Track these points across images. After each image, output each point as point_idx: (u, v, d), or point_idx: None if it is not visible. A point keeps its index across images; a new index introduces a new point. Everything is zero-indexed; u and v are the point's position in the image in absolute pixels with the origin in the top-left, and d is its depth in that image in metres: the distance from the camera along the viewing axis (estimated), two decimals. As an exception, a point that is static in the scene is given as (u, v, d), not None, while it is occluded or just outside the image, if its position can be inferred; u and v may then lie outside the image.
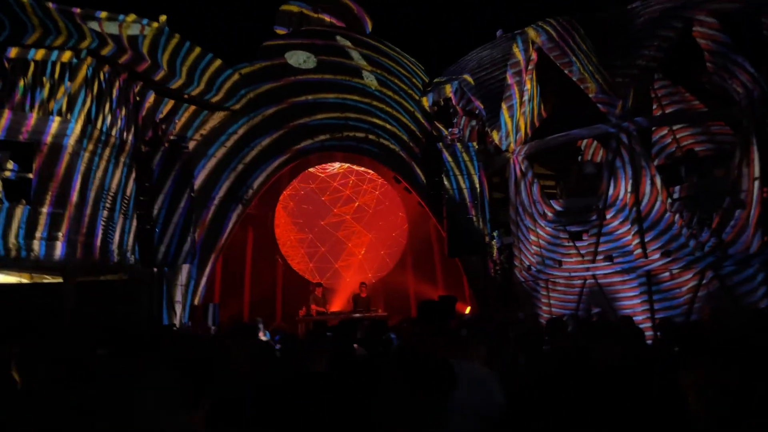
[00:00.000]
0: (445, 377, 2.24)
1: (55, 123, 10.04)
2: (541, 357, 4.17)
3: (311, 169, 16.32)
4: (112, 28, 11.02)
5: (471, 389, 2.94)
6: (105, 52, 10.67)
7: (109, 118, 10.90)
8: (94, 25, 10.74)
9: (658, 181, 9.78)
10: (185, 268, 12.64)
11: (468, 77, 12.75)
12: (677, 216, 9.68)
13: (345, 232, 17.04)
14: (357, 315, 13.66)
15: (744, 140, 9.31)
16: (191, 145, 12.76)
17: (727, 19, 9.44)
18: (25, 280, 11.33)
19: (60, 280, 10.45)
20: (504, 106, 11.60)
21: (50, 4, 10.30)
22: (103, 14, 10.89)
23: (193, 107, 13.14)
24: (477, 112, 12.94)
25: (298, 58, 15.06)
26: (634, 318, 9.31)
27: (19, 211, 9.81)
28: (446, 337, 3.79)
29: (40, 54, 10.12)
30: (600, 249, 10.25)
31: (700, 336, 4.38)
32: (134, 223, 11.48)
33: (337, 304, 15.39)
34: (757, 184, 9.08)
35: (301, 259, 16.62)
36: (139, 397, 1.62)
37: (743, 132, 9.39)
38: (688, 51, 10.15)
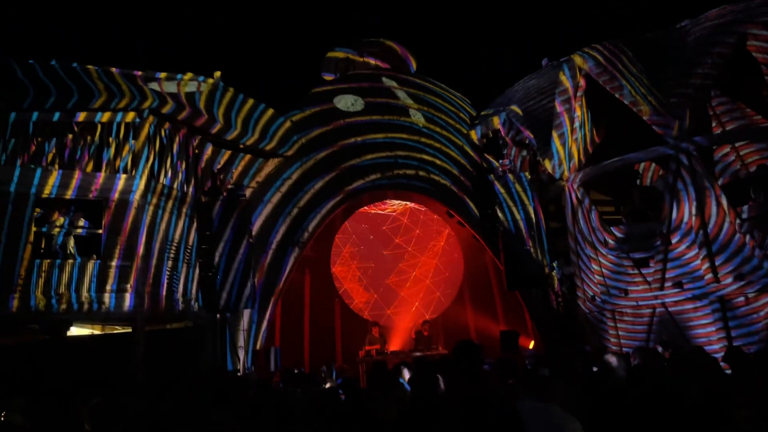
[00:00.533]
0: (508, 425, 2.13)
1: (121, 180, 10.58)
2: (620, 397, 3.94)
3: (366, 209, 16.49)
4: (170, 87, 11.62)
5: None
6: (165, 110, 11.22)
7: (170, 172, 11.40)
8: (154, 86, 11.36)
9: (724, 201, 9.36)
10: (246, 313, 12.88)
11: (516, 108, 12.71)
12: (748, 237, 9.20)
13: (402, 266, 16.98)
14: (417, 354, 13.50)
15: (815, 153, 8.84)
16: (248, 192, 13.17)
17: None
18: (96, 332, 11.80)
19: (129, 330, 10.83)
20: (555, 134, 11.46)
21: (114, 69, 10.97)
22: (163, 75, 11.50)
23: (248, 156, 13.60)
24: (527, 141, 12.83)
25: (346, 102, 15.42)
26: (710, 347, 8.83)
27: (91, 266, 10.29)
28: (519, 376, 3.65)
29: (106, 116, 10.76)
30: (668, 275, 9.82)
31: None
32: (197, 271, 11.84)
33: (395, 343, 15.27)
34: (834, 198, 8.57)
35: (358, 298, 16.64)
36: None
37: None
38: (745, 66, 9.82)
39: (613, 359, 5.22)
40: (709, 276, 9.31)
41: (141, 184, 10.71)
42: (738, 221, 9.32)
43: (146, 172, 10.85)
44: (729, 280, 9.18)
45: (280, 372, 10.88)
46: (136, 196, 10.66)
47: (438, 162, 15.58)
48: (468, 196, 15.16)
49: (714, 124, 11.57)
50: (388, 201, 16.58)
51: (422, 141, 15.65)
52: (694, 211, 9.50)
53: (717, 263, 9.30)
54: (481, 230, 14.31)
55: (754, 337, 8.88)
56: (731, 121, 11.75)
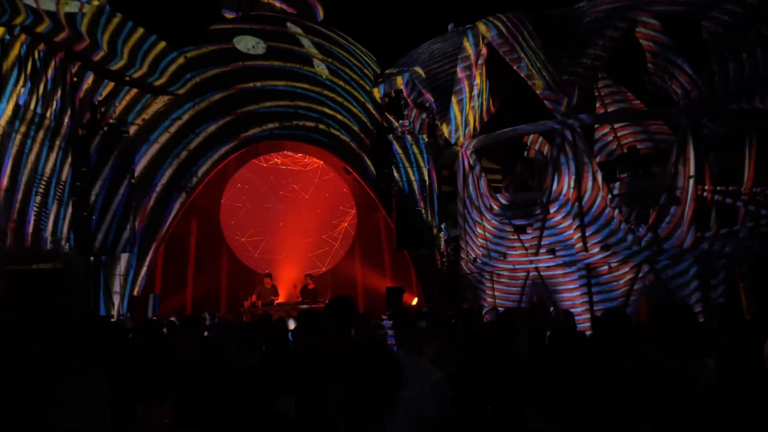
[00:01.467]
0: (395, 376, 2.16)
1: (-17, 102, 9.47)
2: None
3: (260, 158, 16.02)
4: (48, 5, 10.44)
5: (419, 390, 2.87)
6: (41, 29, 10.10)
7: (43, 100, 10.36)
8: (29, 1, 10.16)
9: (599, 177, 10.06)
10: (124, 258, 12.21)
11: (419, 69, 12.76)
12: (616, 211, 10.00)
13: (290, 222, 16.76)
14: (304, 306, 13.54)
15: (681, 139, 9.68)
16: (132, 129, 12.30)
17: (669, 22, 9.75)
18: (-51, 268, 10.69)
19: (-12, 268, 9.91)
20: (454, 100, 11.67)
21: (-20, -24, 9.68)
22: (39, -11, 10.30)
23: (134, 90, 12.64)
24: (427, 104, 12.98)
25: (247, 43, 14.72)
26: (574, 309, 9.60)
27: (-57, 195, 9.23)
28: (404, 329, 3.74)
29: (-33, 28, 9.51)
30: (543, 242, 10.48)
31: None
32: (70, 209, 10.98)
33: (282, 296, 15.20)
34: (692, 182, 9.47)
35: (245, 249, 16.28)
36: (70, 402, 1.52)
37: (680, 131, 9.75)
38: (631, 51, 10.45)
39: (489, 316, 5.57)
40: (579, 245, 10.04)
41: (8, 109, 9.65)
42: (609, 196, 10.08)
43: (14, 96, 9.77)
44: (596, 249, 9.95)
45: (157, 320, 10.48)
46: (1, 122, 9.60)
47: (339, 117, 15.39)
48: (366, 153, 15.16)
49: (598, 105, 12.33)
50: (288, 154, 16.21)
51: (324, 93, 15.35)
52: (572, 184, 10.13)
53: (587, 234, 10.03)
54: (376, 189, 14.43)
55: (614, 303, 9.75)
56: (613, 103, 12.61)
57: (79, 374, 1.59)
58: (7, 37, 9.82)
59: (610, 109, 12.50)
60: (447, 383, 3.14)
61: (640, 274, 9.73)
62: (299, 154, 16.33)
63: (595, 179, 10.05)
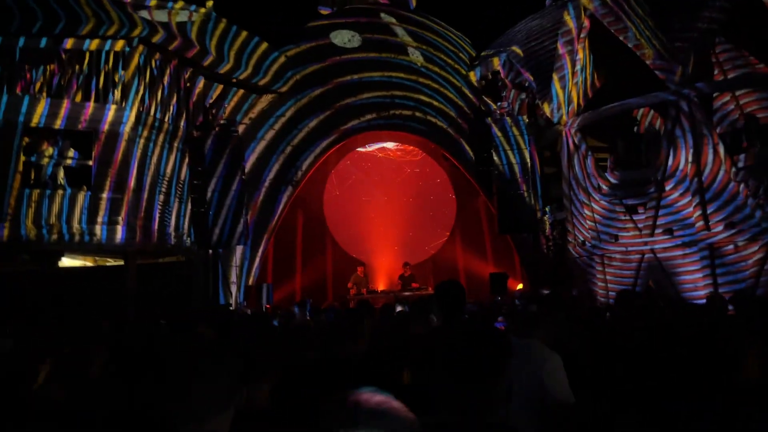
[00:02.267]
0: (504, 362, 2.11)
1: (111, 111, 10.36)
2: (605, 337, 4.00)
3: (360, 149, 16.31)
4: (161, 16, 11.23)
5: (530, 374, 2.80)
6: (155, 39, 10.88)
7: (161, 105, 11.16)
8: (144, 14, 10.97)
9: (721, 149, 9.31)
10: (239, 250, 12.93)
11: (517, 49, 12.41)
12: (742, 186, 9.20)
13: (391, 210, 16.94)
14: (406, 293, 13.69)
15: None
16: (241, 128, 12.96)
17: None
18: (89, 263, 11.84)
19: (121, 262, 10.87)
20: (555, 77, 11.24)
21: (102, -6, 10.56)
22: (153, 2, 11.09)
23: (241, 91, 13.31)
24: (527, 84, 12.60)
25: (343, 38, 15.00)
26: (696, 293, 8.99)
27: (81, 197, 10.21)
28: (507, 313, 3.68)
29: (94, 44, 10.42)
30: (659, 222, 9.87)
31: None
32: (189, 206, 11.78)
33: (384, 283, 15.44)
34: (831, 149, 8.53)
35: (348, 239, 16.67)
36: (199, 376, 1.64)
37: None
38: (751, 12, 9.55)
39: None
40: (700, 223, 9.36)
41: (131, 116, 10.50)
42: (733, 170, 9.30)
43: (136, 103, 10.62)
44: (720, 228, 9.24)
45: (271, 308, 11.02)
46: (127, 128, 10.47)
47: (435, 103, 15.32)
48: (464, 138, 15.00)
49: (716, 72, 11.37)
50: (384, 144, 16.39)
51: (420, 81, 15.34)
52: (690, 158, 9.46)
53: (709, 211, 9.33)
54: (475, 173, 14.25)
55: (741, 285, 9.01)
56: (733, 69, 11.54)
57: (219, 354, 1.70)
58: (127, 49, 10.66)
59: (730, 76, 11.48)
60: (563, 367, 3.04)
61: (772, 254, 8.92)
62: (397, 144, 16.44)
63: (716, 152, 9.31)
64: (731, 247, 9.28)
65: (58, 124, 10.13)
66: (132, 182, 10.58)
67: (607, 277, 10.77)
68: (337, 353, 3.31)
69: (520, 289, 14.11)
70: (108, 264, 11.86)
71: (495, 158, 13.01)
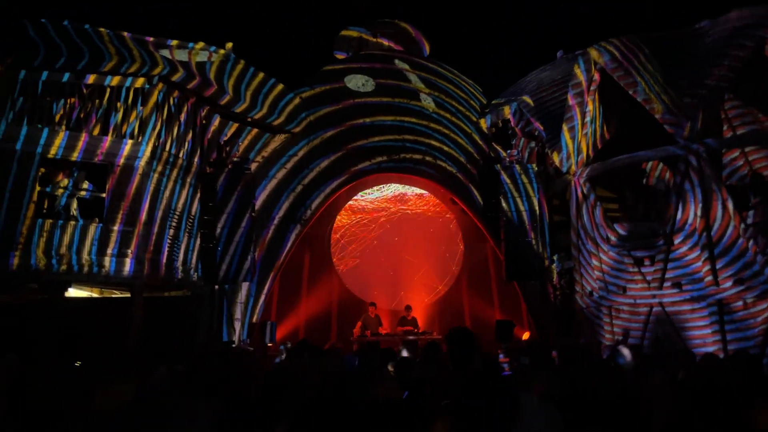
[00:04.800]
0: (511, 410, 2.12)
1: (127, 146, 10.55)
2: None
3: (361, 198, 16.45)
4: (182, 56, 11.55)
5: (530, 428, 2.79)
6: (175, 78, 11.17)
7: (177, 141, 11.37)
8: (165, 53, 11.29)
9: (730, 205, 9.34)
10: (245, 286, 12.93)
11: (527, 98, 12.62)
12: (751, 242, 9.19)
13: (398, 252, 16.93)
14: (411, 337, 13.56)
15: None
16: (253, 166, 13.15)
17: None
18: (95, 295, 11.86)
19: (128, 295, 10.88)
20: (565, 128, 11.40)
21: (125, 34, 10.90)
22: (174, 42, 11.42)
23: (255, 130, 13.56)
24: (536, 133, 12.77)
25: (357, 82, 15.32)
26: (704, 349, 8.87)
27: (92, 229, 10.31)
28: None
29: (115, 80, 10.70)
30: (667, 275, 9.83)
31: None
32: (198, 241, 11.86)
33: (386, 326, 15.32)
34: (840, 209, 8.54)
35: (354, 279, 16.63)
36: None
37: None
38: (761, 70, 9.73)
39: (625, 351, 5.25)
40: (709, 278, 9.32)
41: (147, 151, 10.69)
42: (742, 226, 9.30)
43: (153, 138, 10.82)
44: (729, 283, 9.19)
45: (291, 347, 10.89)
46: (142, 163, 10.64)
47: (445, 148, 15.52)
48: (473, 184, 15.12)
49: (725, 128, 11.49)
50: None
51: (431, 126, 15.58)
52: (699, 212, 9.48)
53: (718, 266, 9.30)
54: (483, 219, 14.29)
55: (750, 342, 8.91)
56: (742, 125, 11.66)
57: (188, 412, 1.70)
58: (147, 86, 10.94)
59: (739, 132, 11.59)
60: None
61: (782, 311, 8.83)
62: (408, 189, 16.57)
63: (725, 207, 9.34)
64: (740, 303, 9.20)
65: (75, 156, 10.32)
66: (143, 216, 10.69)
67: (615, 329, 10.66)
68: (373, 396, 3.19)
69: (526, 339, 13.97)
70: (114, 296, 11.89)
71: (503, 205, 13.06)
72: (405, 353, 7.16)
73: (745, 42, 9.56)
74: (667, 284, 9.80)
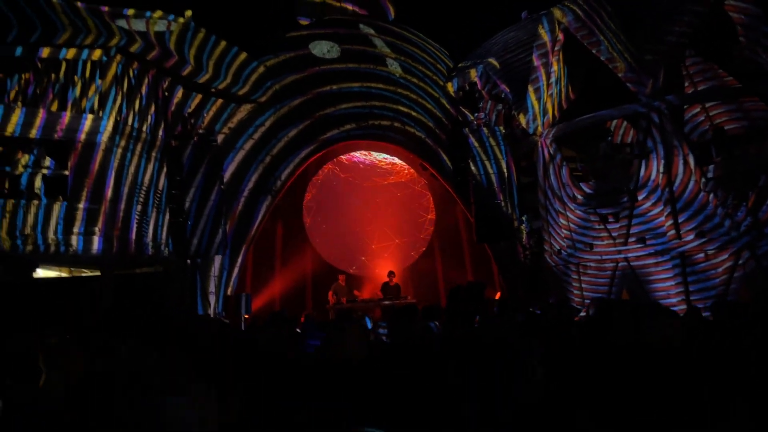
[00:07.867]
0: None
1: (88, 121, 10.28)
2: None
3: (342, 157, 16.42)
4: (139, 25, 11.19)
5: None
6: (133, 49, 10.84)
7: (139, 115, 11.11)
8: (122, 23, 10.92)
9: (691, 160, 9.58)
10: (218, 260, 12.87)
11: (493, 60, 12.62)
12: (712, 196, 9.47)
13: (370, 220, 17.02)
14: (387, 302, 13.76)
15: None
16: (220, 138, 12.94)
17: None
18: (64, 274, 11.68)
19: (98, 273, 10.75)
20: (531, 89, 11.46)
21: (79, 4, 10.49)
22: (131, 11, 11.06)
23: (220, 101, 13.28)
24: (503, 95, 12.81)
25: (322, 48, 15.08)
26: (668, 301, 9.19)
27: (57, 208, 10.10)
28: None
29: (71, 53, 10.34)
30: (632, 231, 10.10)
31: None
32: (167, 216, 11.71)
33: (365, 293, 15.48)
34: (795, 160, 8.83)
35: (327, 248, 16.69)
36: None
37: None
38: (720, 25, 9.87)
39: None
40: (672, 233, 9.60)
41: (108, 126, 10.43)
42: (703, 180, 9.56)
43: (114, 113, 10.55)
44: (691, 236, 9.48)
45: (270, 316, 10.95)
46: (104, 138, 10.39)
47: (413, 113, 15.47)
48: (442, 148, 15.15)
49: (686, 84, 11.68)
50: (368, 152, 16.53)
51: (398, 92, 15.47)
52: (661, 168, 9.70)
53: (680, 220, 9.58)
54: (453, 183, 14.40)
55: (711, 292, 9.26)
56: (703, 81, 11.87)
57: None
58: (104, 58, 10.61)
59: (700, 88, 11.81)
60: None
61: (740, 261, 9.18)
62: (375, 153, 16.57)
63: (686, 163, 9.57)
64: (702, 255, 9.53)
65: (34, 133, 10.02)
66: (109, 192, 10.50)
67: (583, 285, 10.97)
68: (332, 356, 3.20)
69: (497, 298, 14.25)
70: (84, 274, 11.72)
71: (472, 168, 13.16)
72: (368, 322, 7.26)
73: (704, -3, 9.67)
74: (631, 240, 10.07)
